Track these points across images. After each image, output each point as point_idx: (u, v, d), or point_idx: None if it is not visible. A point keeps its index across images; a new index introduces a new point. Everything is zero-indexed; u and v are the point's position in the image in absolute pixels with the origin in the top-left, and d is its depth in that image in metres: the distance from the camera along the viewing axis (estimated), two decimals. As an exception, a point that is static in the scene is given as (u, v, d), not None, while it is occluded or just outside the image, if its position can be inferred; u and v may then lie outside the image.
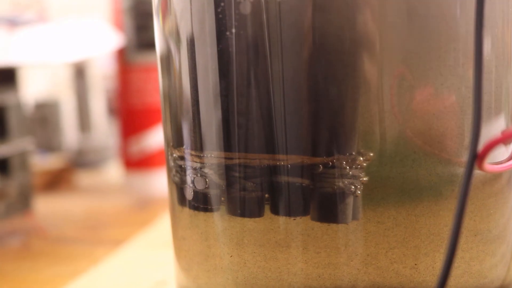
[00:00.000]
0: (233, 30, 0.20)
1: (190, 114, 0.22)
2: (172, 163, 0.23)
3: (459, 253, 0.21)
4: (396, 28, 0.20)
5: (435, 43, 0.20)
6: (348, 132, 0.20)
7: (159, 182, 0.50)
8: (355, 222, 0.21)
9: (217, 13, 0.20)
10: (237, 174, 0.21)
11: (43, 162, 0.57)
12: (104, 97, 0.67)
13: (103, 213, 0.47)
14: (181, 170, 0.23)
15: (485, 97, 0.21)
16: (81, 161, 0.62)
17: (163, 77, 0.24)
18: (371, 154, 0.21)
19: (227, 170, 0.21)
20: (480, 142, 0.17)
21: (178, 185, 0.23)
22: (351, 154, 0.20)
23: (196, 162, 0.22)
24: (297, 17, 0.19)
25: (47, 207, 0.50)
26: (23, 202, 0.45)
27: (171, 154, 0.23)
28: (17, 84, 0.46)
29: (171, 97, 0.23)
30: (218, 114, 0.21)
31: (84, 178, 0.59)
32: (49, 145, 0.61)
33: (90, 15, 0.57)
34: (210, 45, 0.20)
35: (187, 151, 0.22)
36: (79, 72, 0.63)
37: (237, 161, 0.21)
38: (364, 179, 0.21)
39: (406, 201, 0.21)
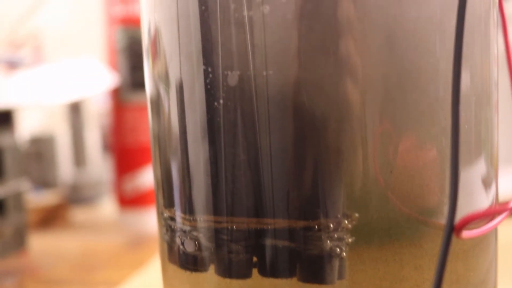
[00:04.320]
0: (221, 101, 0.20)
1: (180, 178, 0.22)
2: (162, 222, 0.24)
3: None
4: (379, 94, 0.21)
5: (416, 98, 0.21)
6: (332, 196, 0.21)
7: (153, 220, 0.51)
8: (342, 282, 0.21)
9: (205, 84, 0.21)
10: (225, 237, 0.22)
11: (38, 199, 0.57)
12: (99, 132, 0.68)
13: (97, 252, 0.47)
14: (171, 230, 0.23)
15: (465, 138, 0.22)
16: (76, 196, 0.62)
17: (153, 120, 0.24)
18: (356, 215, 0.21)
19: (216, 233, 0.22)
20: (460, 192, 0.18)
21: (169, 243, 0.24)
22: (336, 217, 0.21)
23: (185, 225, 0.22)
24: (284, 90, 0.20)
25: (42, 245, 0.50)
26: (18, 242, 0.45)
27: (162, 213, 0.24)
28: (13, 125, 0.46)
29: (161, 157, 0.24)
30: (208, 179, 0.21)
31: (78, 214, 0.60)
32: (44, 180, 0.61)
33: (85, 55, 0.58)
34: (199, 113, 0.21)
35: (177, 213, 0.23)
36: (75, 108, 0.64)
37: (225, 224, 0.21)
38: (350, 240, 0.21)
39: (390, 259, 0.22)
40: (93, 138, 0.66)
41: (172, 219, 0.23)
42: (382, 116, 0.21)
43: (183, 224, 0.23)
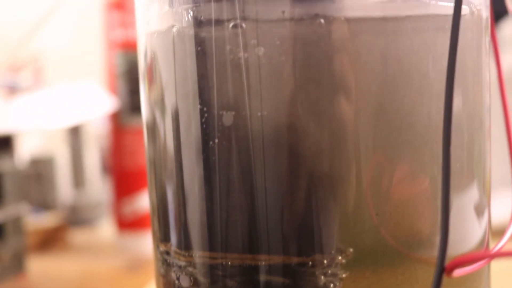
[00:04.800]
0: (216, 141, 0.21)
1: (176, 214, 0.23)
2: (158, 255, 0.24)
3: None
4: (372, 131, 0.21)
5: (409, 135, 0.21)
6: (327, 232, 0.21)
7: (151, 244, 0.51)
8: (335, 316, 0.22)
9: (201, 123, 0.21)
10: (220, 273, 0.22)
11: (37, 221, 0.58)
12: (99, 154, 0.68)
13: (96, 275, 0.48)
14: (167, 264, 0.24)
15: (457, 163, 0.22)
16: (75, 218, 0.62)
17: (148, 146, 0.25)
18: (351, 250, 0.21)
19: (211, 269, 0.22)
20: (452, 220, 0.18)
21: (164, 277, 0.24)
22: (330, 253, 0.21)
23: (181, 260, 0.23)
24: (279, 130, 0.20)
25: (41, 267, 0.50)
26: (17, 266, 0.46)
27: (158, 247, 0.24)
28: (13, 149, 0.47)
29: (157, 186, 0.24)
30: (203, 215, 0.22)
31: (77, 236, 0.60)
32: (43, 202, 0.61)
33: (85, 78, 0.58)
34: (195, 151, 0.21)
35: (172, 248, 0.23)
36: (74, 129, 0.64)
37: (220, 260, 0.22)
38: (343, 275, 0.21)
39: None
40: (93, 160, 0.66)
41: (168, 253, 0.23)
42: (375, 150, 0.21)
43: (179, 259, 0.23)
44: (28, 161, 0.63)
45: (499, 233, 0.25)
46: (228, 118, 0.21)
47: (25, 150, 0.65)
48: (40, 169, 0.63)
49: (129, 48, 0.51)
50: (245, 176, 0.21)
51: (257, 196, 0.21)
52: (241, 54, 0.20)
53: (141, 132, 0.51)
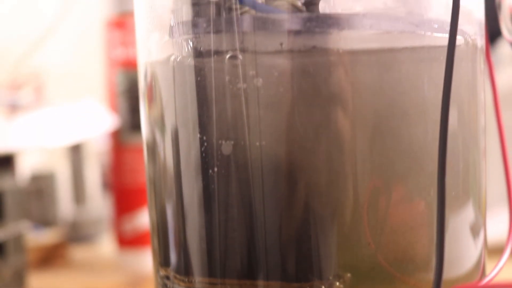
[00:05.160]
0: (215, 169, 0.21)
1: (175, 240, 0.23)
2: (159, 280, 0.25)
3: None
4: (368, 157, 0.21)
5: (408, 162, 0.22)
6: (325, 259, 0.21)
7: (151, 261, 0.51)
8: None
9: (201, 152, 0.21)
10: (219, 299, 0.22)
11: (38, 237, 0.58)
12: (99, 170, 0.68)
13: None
14: (167, 289, 0.24)
15: (452, 183, 0.22)
16: (76, 234, 0.62)
17: (148, 167, 0.25)
18: (349, 275, 0.22)
19: (211, 295, 0.22)
20: (447, 240, 0.19)
21: (165, 301, 0.24)
22: (328, 279, 0.22)
23: (181, 285, 0.23)
24: (277, 160, 0.21)
25: (41, 284, 0.50)
26: (18, 283, 0.46)
27: (158, 271, 0.25)
28: (14, 168, 0.47)
29: (157, 208, 0.24)
30: (202, 242, 0.22)
31: (78, 253, 0.60)
32: (44, 218, 0.62)
33: (86, 96, 0.58)
34: (194, 179, 0.22)
35: (172, 273, 0.23)
36: (75, 146, 0.64)
37: (219, 286, 0.22)
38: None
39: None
40: (93, 176, 0.67)
41: (168, 278, 0.24)
42: (372, 177, 0.21)
43: (179, 284, 0.23)
44: (29, 177, 0.63)
45: (497, 250, 0.26)
46: (227, 147, 0.21)
47: (25, 166, 0.66)
48: (41, 185, 0.63)
49: (129, 67, 0.51)
50: (244, 204, 0.21)
51: (256, 223, 0.21)
52: (240, 84, 0.20)
53: (141, 150, 0.52)
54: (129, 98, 0.52)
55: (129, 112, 0.52)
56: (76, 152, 0.65)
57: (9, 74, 0.61)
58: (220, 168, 0.21)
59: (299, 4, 0.22)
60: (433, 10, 0.20)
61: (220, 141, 0.21)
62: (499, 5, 0.28)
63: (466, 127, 0.23)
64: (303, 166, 0.21)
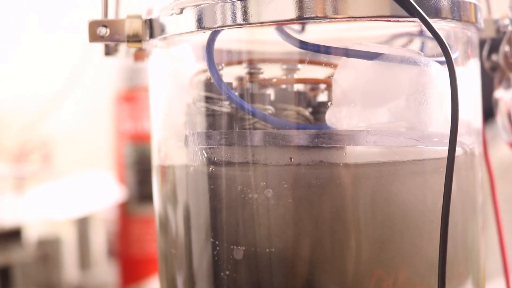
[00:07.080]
0: (227, 272, 0.22)
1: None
2: None
3: None
4: (373, 258, 0.22)
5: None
6: None
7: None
8: None
9: (213, 256, 0.22)
10: None
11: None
12: (105, 237, 0.69)
13: None
14: None
15: (452, 261, 0.23)
16: (80, 301, 0.63)
17: (160, 237, 0.26)
18: None
19: None
20: None
21: None
22: None
23: None
24: (287, 266, 0.22)
25: None
26: None
27: None
28: (22, 240, 0.48)
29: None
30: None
31: (82, 321, 0.60)
32: (49, 283, 0.62)
33: (94, 167, 0.60)
34: (207, 282, 0.23)
35: None
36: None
37: None
38: None
39: None
40: (99, 242, 0.67)
41: None
42: (377, 284, 0.22)
43: None
44: (35, 242, 0.63)
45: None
46: (238, 252, 0.22)
47: (32, 232, 0.66)
48: (47, 250, 0.64)
49: (138, 140, 0.52)
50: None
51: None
52: (251, 194, 0.22)
53: (148, 221, 0.53)
54: (137, 170, 0.53)
55: (136, 184, 0.53)
56: (82, 218, 0.65)
57: (17, 141, 0.62)
58: (231, 272, 0.22)
59: (307, 113, 0.23)
60: (433, 124, 0.22)
61: (232, 247, 0.22)
62: (496, 103, 0.29)
63: (465, 227, 0.24)
64: (311, 272, 0.22)
